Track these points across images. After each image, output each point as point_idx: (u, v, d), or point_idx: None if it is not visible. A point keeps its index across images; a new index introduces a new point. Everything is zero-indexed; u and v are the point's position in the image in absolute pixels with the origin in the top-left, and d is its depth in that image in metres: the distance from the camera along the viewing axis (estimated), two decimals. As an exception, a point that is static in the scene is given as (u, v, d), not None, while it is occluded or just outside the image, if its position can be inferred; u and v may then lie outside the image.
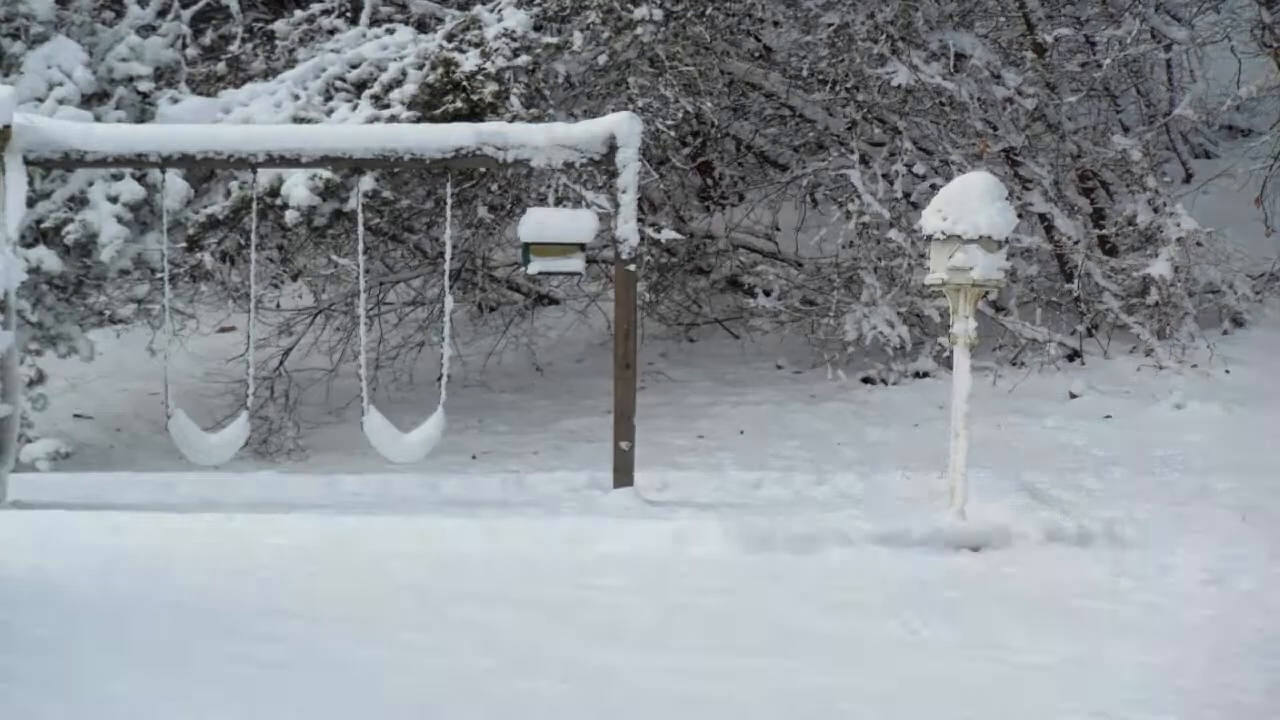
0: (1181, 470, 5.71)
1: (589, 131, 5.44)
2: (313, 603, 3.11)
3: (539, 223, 5.48)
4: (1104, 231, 7.73)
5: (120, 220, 5.75)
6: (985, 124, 7.08)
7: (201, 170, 5.76)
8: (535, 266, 5.42)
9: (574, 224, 5.51)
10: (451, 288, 5.61)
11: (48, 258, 5.75)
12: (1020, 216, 5.93)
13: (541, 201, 6.18)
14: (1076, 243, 7.37)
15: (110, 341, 7.54)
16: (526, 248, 5.37)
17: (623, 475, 5.00)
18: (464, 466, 6.16)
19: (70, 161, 5.19)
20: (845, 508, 4.64)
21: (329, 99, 6.04)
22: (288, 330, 8.13)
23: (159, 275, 5.53)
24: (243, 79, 6.81)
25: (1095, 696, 2.29)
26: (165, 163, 5.15)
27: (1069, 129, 7.47)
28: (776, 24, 6.74)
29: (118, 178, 5.79)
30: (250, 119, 5.84)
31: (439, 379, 5.27)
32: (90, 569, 3.49)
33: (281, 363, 7.84)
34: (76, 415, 7.91)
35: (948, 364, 5.48)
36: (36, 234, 5.88)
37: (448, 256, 5.34)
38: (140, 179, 5.76)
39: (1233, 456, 5.86)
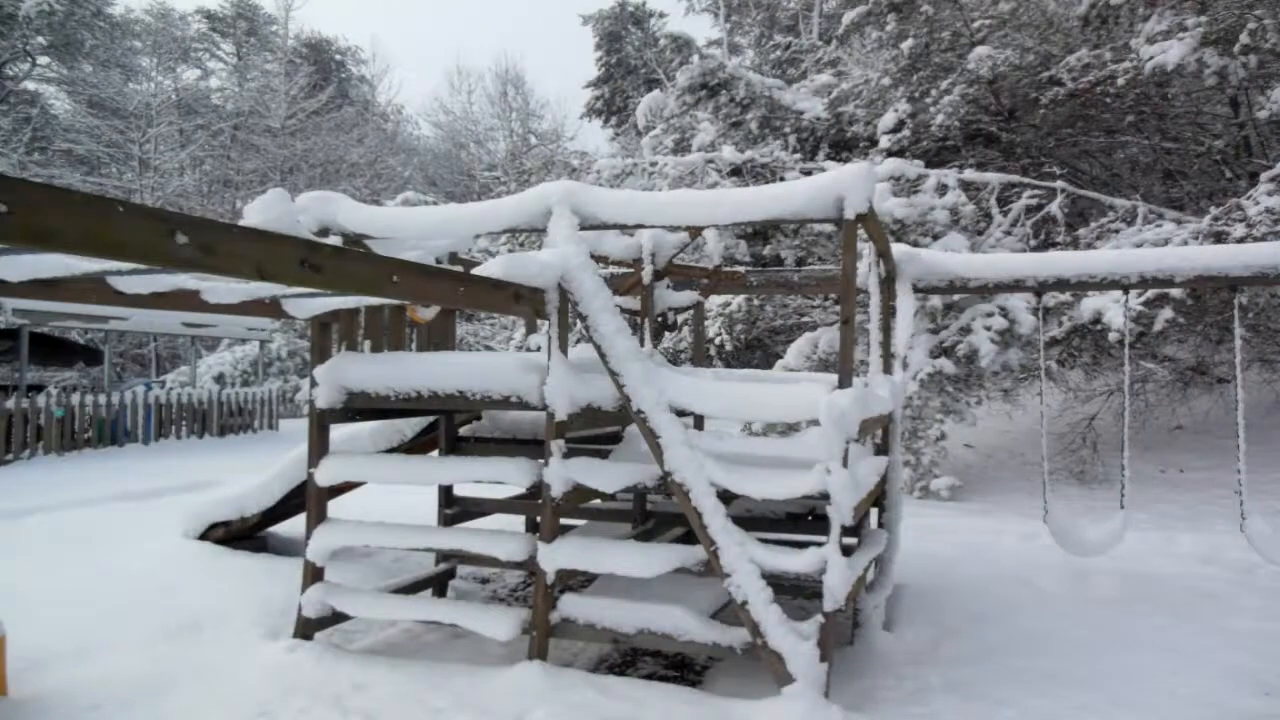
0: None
1: None
2: None
3: None
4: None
5: (992, 341, 8.31)
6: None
7: (1073, 292, 6.61)
8: None
9: None
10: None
11: (946, 366, 8.74)
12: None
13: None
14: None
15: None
16: None
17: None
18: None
19: (954, 288, 6.13)
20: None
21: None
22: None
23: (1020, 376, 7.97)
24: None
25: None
26: (1041, 286, 5.82)
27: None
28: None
29: (989, 314, 8.51)
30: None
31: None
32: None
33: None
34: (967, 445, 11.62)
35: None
36: (940, 350, 8.96)
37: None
38: (1003, 314, 8.53)
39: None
